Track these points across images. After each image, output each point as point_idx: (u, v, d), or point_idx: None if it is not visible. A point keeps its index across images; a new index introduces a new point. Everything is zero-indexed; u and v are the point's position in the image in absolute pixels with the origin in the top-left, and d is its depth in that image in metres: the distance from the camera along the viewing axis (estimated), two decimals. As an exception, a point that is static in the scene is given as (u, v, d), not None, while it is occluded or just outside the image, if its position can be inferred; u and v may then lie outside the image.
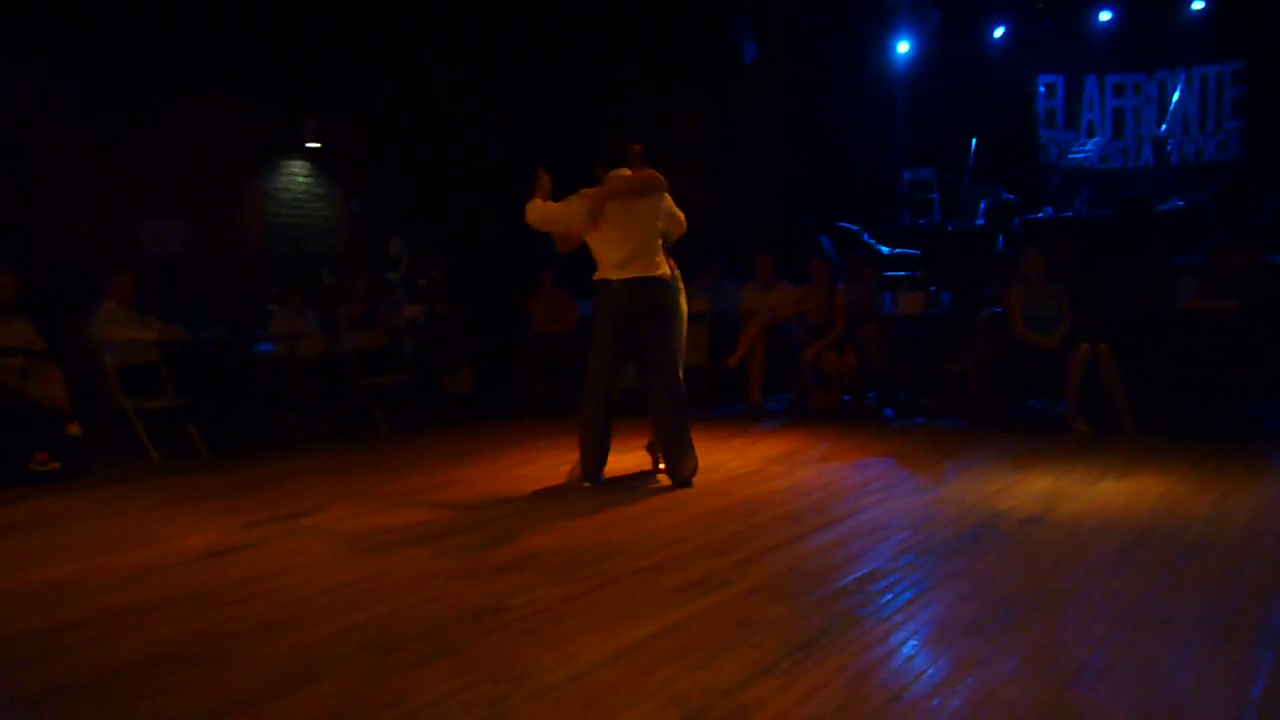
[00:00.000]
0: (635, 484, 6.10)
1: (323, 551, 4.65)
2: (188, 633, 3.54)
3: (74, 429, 6.81)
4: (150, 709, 2.89)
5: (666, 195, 6.04)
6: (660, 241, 6.04)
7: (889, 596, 3.76)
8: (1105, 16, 12.60)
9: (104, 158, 9.95)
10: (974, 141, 12.60)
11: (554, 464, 6.74)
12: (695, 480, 6.01)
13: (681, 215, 6.16)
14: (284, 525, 5.18)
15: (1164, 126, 12.47)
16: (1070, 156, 13.04)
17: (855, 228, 12.27)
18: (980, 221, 12.27)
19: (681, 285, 6.20)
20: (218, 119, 10.81)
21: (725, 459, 6.85)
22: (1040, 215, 11.96)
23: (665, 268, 6.01)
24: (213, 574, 4.30)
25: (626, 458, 6.69)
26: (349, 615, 3.67)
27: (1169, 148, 12.47)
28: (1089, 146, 13.03)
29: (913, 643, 3.30)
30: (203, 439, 7.49)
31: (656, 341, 5.96)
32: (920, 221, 12.95)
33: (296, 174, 11.69)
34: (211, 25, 10.48)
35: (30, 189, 9.48)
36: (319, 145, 11.56)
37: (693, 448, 6.06)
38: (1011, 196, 12.28)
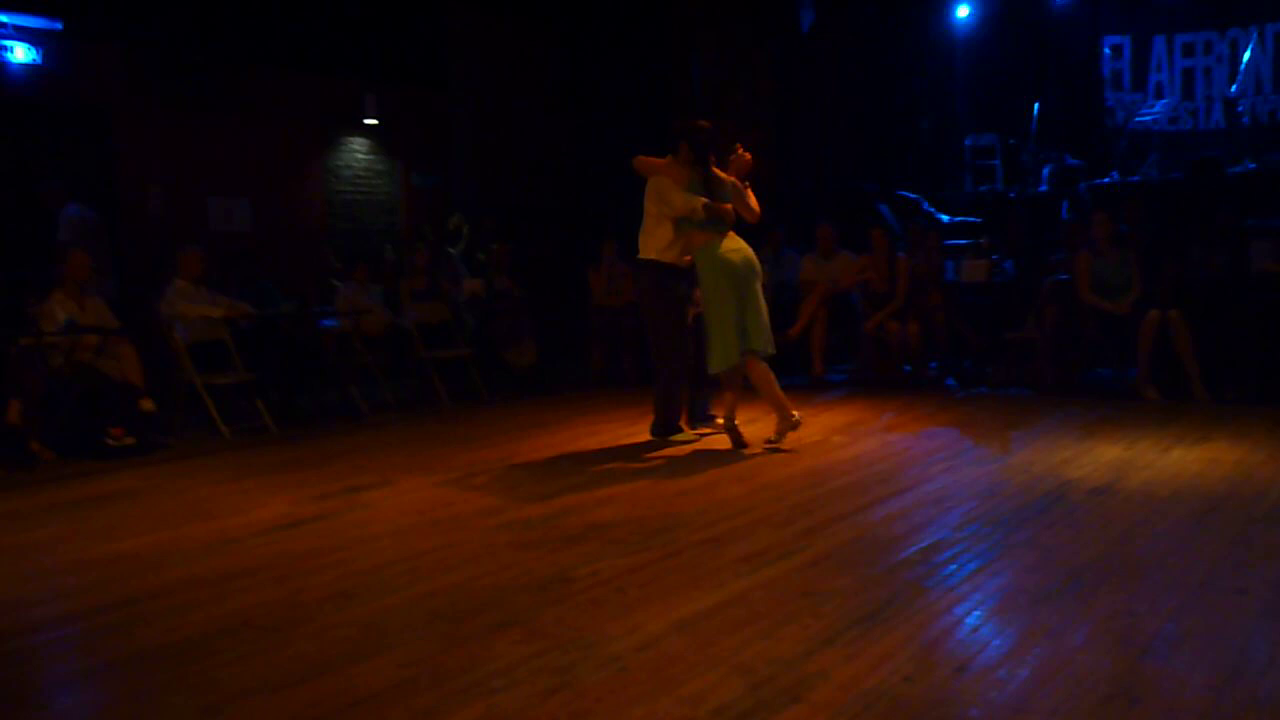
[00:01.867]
0: (699, 455, 6.11)
1: (390, 523, 4.72)
2: (262, 602, 3.62)
3: (147, 405, 6.96)
4: (227, 677, 2.96)
5: (652, 179, 6.33)
6: (651, 224, 6.35)
7: (954, 567, 3.73)
8: (1173, -26, 12.29)
9: (172, 137, 10.12)
10: (1037, 105, 12.35)
11: (616, 435, 6.80)
12: (755, 453, 6.08)
13: (669, 198, 6.22)
14: (352, 497, 5.27)
15: (1235, 87, 12.12)
16: (1137, 119, 12.73)
17: (915, 196, 12.12)
18: (1044, 187, 12.06)
19: (723, 257, 6.20)
20: (283, 96, 10.93)
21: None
22: (1106, 180, 11.72)
23: (648, 250, 6.35)
24: (284, 545, 4.39)
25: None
26: (418, 585, 3.73)
27: (1240, 108, 12.11)
28: (1157, 108, 12.71)
29: (979, 613, 3.28)
30: (270, 413, 7.61)
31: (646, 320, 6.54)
32: (982, 188, 12.75)
33: (356, 150, 11.80)
34: (278, 3, 10.58)
35: (102, 169, 9.67)
36: (377, 122, 11.65)
37: (670, 413, 6.59)
38: (1076, 161, 12.04)
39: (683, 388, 6.60)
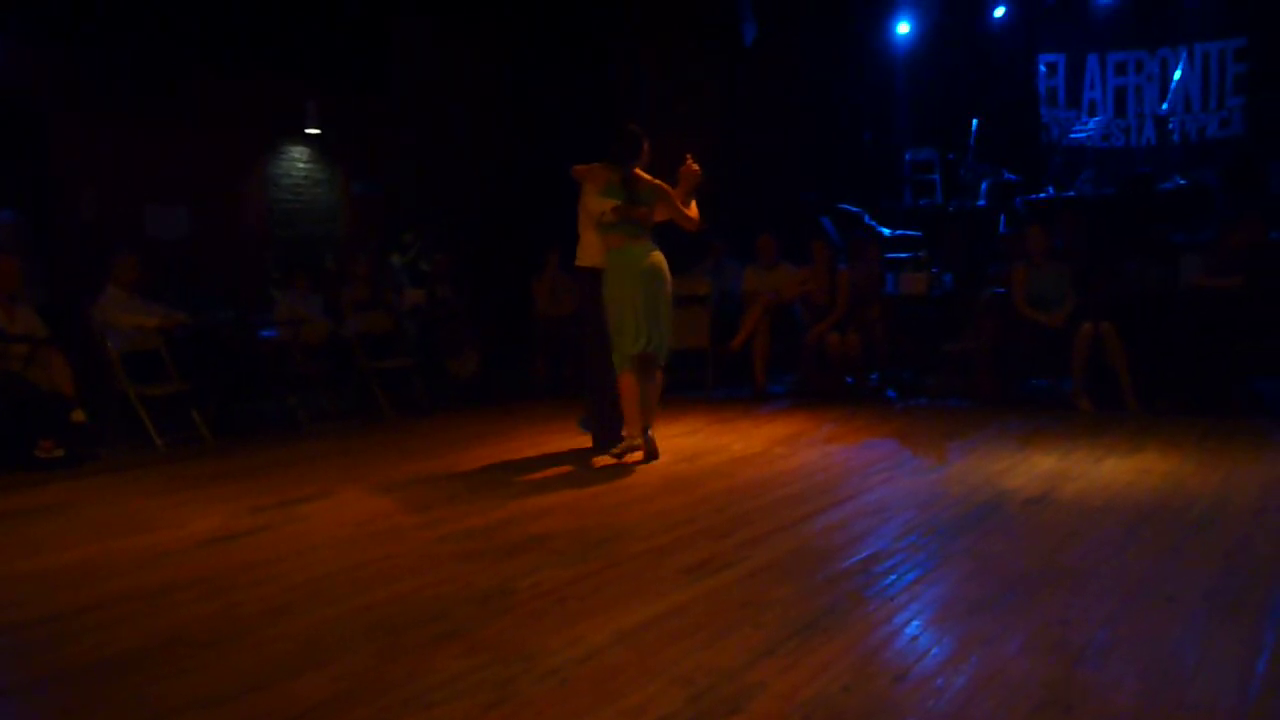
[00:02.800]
0: (641, 467, 6.10)
1: (329, 535, 4.67)
2: (196, 617, 3.56)
3: (78, 415, 6.81)
4: (160, 693, 2.90)
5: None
6: (581, 229, 6.47)
7: (893, 577, 3.77)
8: (1107, -6, 12.58)
9: (109, 142, 9.93)
10: (975, 121, 12.55)
11: (559, 446, 6.78)
12: (697, 464, 6.08)
13: (584, 201, 6.40)
14: (290, 509, 5.19)
15: (1165, 105, 12.41)
16: (1072, 135, 12.98)
17: (856, 209, 12.25)
18: (982, 202, 12.25)
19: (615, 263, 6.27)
20: (222, 101, 10.78)
21: (729, 441, 6.86)
22: (1042, 195, 11.94)
23: (580, 257, 6.53)
24: (220, 558, 4.32)
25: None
26: (357, 598, 3.69)
27: (1170, 126, 12.41)
28: (1090, 125, 12.97)
29: (917, 622, 3.31)
30: (207, 424, 7.50)
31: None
32: (921, 202, 12.92)
33: (297, 158, 11.67)
34: (218, 7, 10.44)
35: (35, 173, 9.47)
36: (319, 130, 11.53)
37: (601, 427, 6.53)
38: (1013, 176, 12.24)
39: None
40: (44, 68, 9.49)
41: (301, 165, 11.70)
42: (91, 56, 9.71)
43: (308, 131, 11.48)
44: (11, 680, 3.11)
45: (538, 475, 5.90)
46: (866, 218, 12.20)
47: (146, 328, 7.48)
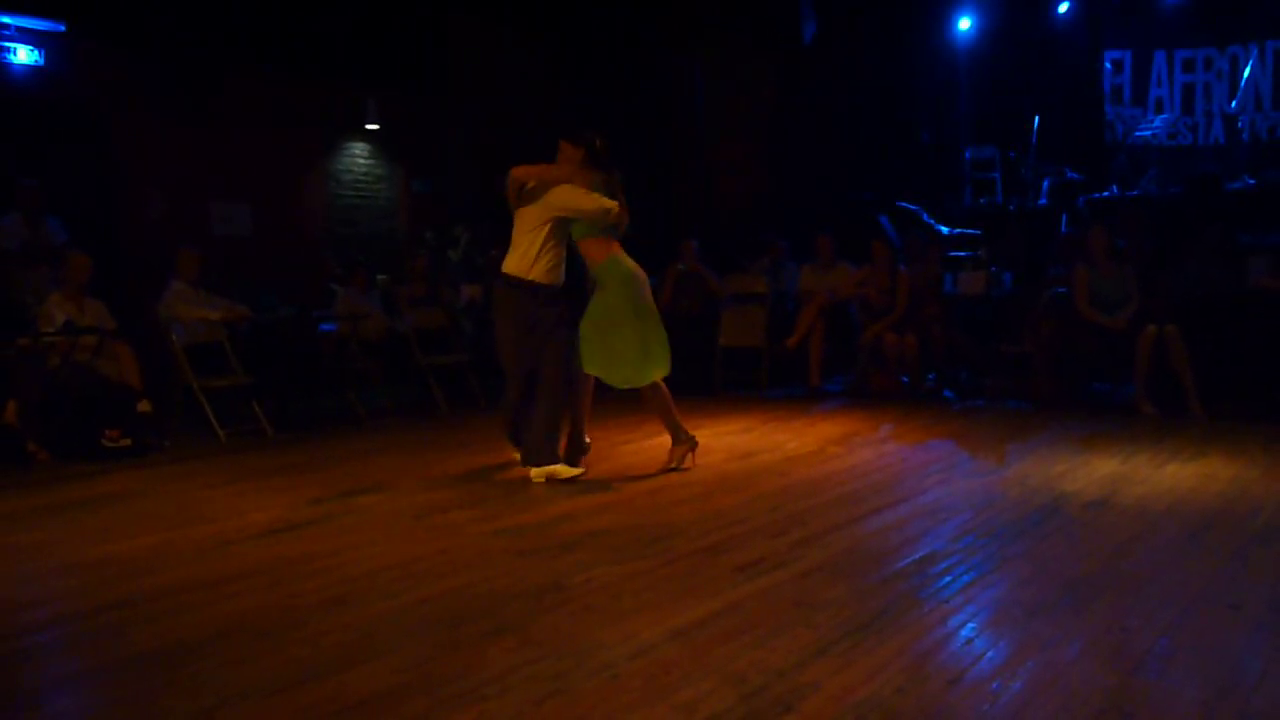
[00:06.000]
0: (696, 465, 6.09)
1: (386, 528, 4.72)
2: (256, 607, 3.61)
3: (144, 406, 6.96)
4: (219, 681, 2.95)
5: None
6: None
7: (949, 579, 3.73)
8: (1175, -10, 12.35)
9: (173, 140, 10.13)
10: (1037, 119, 12.38)
11: (611, 443, 6.79)
12: (751, 463, 6.04)
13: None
14: (348, 502, 5.26)
15: (1235, 103, 12.16)
16: (1137, 134, 12.77)
17: (915, 208, 12.14)
18: (1043, 201, 12.08)
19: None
20: (284, 100, 10.94)
21: (784, 440, 6.83)
22: (1105, 194, 11.75)
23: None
24: (279, 549, 4.38)
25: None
26: (413, 591, 3.73)
27: (1240, 124, 12.16)
28: (1156, 123, 12.75)
29: (973, 625, 3.27)
30: (268, 417, 7.61)
31: None
32: (981, 201, 12.78)
33: (359, 155, 11.81)
34: (277, 8, 10.60)
35: (103, 171, 9.68)
36: (378, 127, 11.66)
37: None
38: (1076, 175, 12.06)
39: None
40: (109, 72, 9.70)
41: (362, 161, 11.85)
42: (154, 59, 9.91)
43: (368, 127, 11.62)
44: (75, 667, 3.19)
45: (592, 472, 5.91)
46: (924, 216, 12.09)
47: (210, 321, 7.62)
